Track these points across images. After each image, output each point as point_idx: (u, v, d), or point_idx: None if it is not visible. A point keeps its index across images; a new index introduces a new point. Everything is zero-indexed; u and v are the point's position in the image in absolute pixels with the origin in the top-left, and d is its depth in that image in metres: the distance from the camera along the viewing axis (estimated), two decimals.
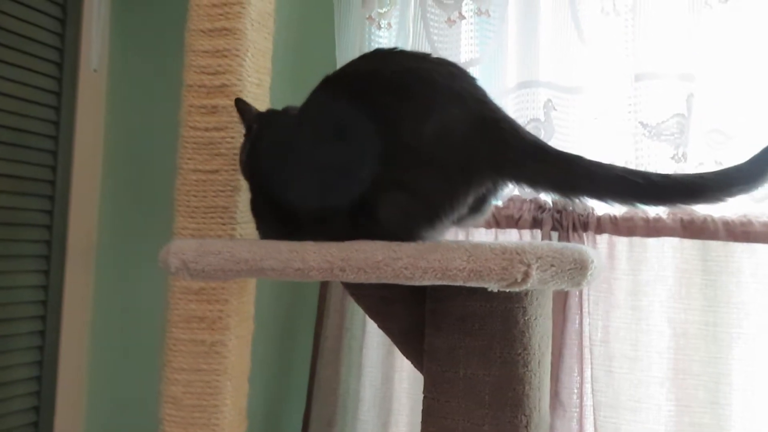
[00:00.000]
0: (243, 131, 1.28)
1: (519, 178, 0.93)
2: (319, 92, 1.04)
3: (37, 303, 1.73)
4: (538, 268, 0.82)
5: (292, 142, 1.05)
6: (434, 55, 1.02)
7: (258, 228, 1.17)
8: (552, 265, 0.84)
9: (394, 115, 0.93)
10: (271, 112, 1.20)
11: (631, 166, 1.32)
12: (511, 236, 1.43)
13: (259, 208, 1.16)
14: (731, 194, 0.84)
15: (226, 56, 1.31)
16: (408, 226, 0.94)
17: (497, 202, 1.01)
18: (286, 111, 1.17)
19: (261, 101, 1.38)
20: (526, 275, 0.82)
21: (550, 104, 1.41)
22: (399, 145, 0.92)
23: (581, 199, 0.91)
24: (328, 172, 0.99)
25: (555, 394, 1.36)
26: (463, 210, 0.94)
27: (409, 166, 0.92)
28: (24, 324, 1.69)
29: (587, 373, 1.36)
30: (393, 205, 0.94)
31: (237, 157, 1.30)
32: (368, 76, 0.99)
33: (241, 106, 1.20)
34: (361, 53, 1.58)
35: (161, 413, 1.30)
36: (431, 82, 0.94)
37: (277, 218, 1.10)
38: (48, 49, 1.74)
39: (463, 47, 1.53)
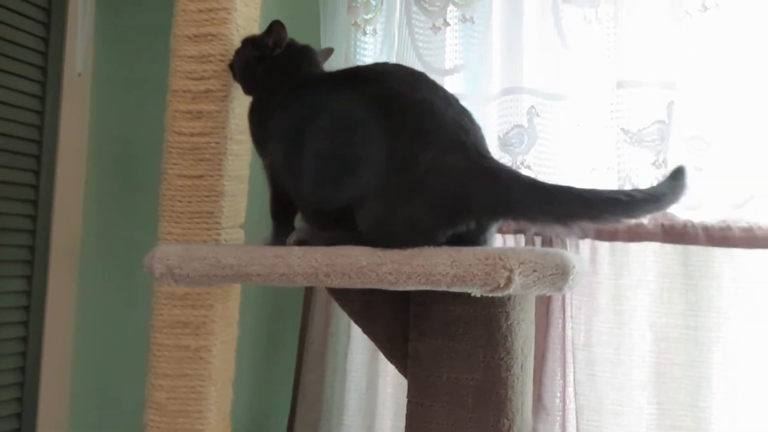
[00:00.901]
0: (228, 136, 1.30)
1: (518, 215, 0.99)
2: (349, 84, 1.07)
3: (20, 308, 1.71)
4: (520, 273, 0.84)
5: (305, 111, 1.09)
6: (461, 104, 1.05)
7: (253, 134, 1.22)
8: (534, 270, 0.85)
9: (401, 135, 0.96)
10: (300, 50, 1.24)
11: (613, 172, 1.35)
12: (494, 241, 1.43)
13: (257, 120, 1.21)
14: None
15: (211, 62, 1.31)
16: (380, 236, 0.95)
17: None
18: (309, 55, 1.23)
19: (246, 106, 1.38)
20: (509, 280, 0.83)
21: (533, 110, 1.42)
22: (395, 164, 0.95)
23: (579, 225, 0.95)
24: (328, 163, 1.02)
25: (538, 398, 1.37)
26: (441, 239, 0.95)
27: (397, 186, 0.95)
28: (6, 330, 1.68)
29: (570, 377, 1.37)
30: (370, 214, 0.97)
31: (222, 161, 1.30)
32: (395, 93, 1.01)
33: (275, 26, 1.22)
34: (347, 59, 1.61)
35: (145, 419, 1.29)
36: (445, 123, 0.98)
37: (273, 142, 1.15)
38: (32, 53, 1.73)
39: (448, 54, 1.55)
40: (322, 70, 1.24)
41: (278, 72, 1.21)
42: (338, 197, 1.00)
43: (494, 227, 1.02)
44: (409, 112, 0.98)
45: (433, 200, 0.94)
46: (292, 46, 1.24)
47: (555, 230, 1.09)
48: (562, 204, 0.94)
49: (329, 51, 1.35)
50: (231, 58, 1.29)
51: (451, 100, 1.04)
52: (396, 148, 0.96)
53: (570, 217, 0.95)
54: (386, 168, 0.95)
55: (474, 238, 0.98)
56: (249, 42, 1.26)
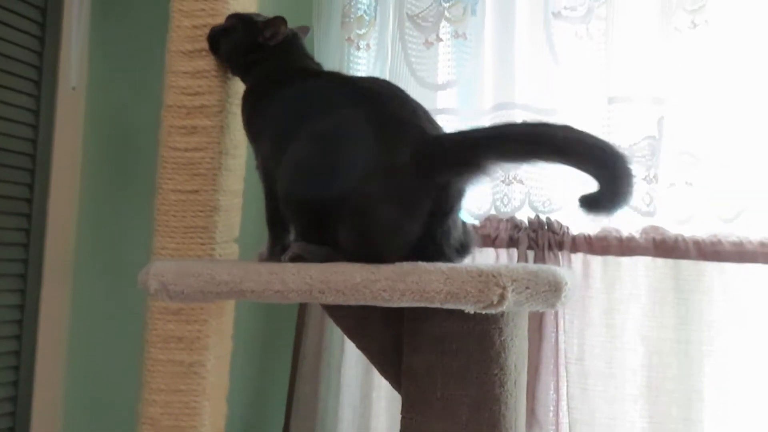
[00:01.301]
0: (223, 151, 1.30)
1: (465, 166, 0.97)
2: (342, 91, 1.09)
3: (13, 323, 1.70)
4: (513, 290, 0.84)
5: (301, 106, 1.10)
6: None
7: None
8: (527, 288, 0.86)
9: (369, 147, 0.98)
10: (292, 40, 1.25)
11: None
12: (488, 255, 1.45)
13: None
14: None
15: (206, 77, 1.32)
16: (362, 250, 0.97)
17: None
18: (299, 44, 1.26)
19: (240, 122, 1.39)
20: (502, 297, 0.83)
21: None
22: (362, 179, 0.97)
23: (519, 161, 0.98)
24: (306, 172, 1.04)
25: (531, 412, 1.37)
26: (418, 231, 0.97)
27: (366, 197, 0.97)
28: None
29: (563, 391, 1.38)
30: (348, 230, 0.98)
31: (217, 176, 1.31)
32: (372, 111, 1.02)
33: (278, 22, 1.22)
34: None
35: None
36: (401, 129, 0.99)
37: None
38: (26, 67, 1.73)
39: (441, 69, 1.56)
40: (312, 61, 1.27)
41: (272, 63, 1.22)
42: (313, 206, 1.01)
43: (459, 201, 1.03)
44: (379, 124, 1.00)
45: (398, 198, 0.96)
46: (296, 43, 1.26)
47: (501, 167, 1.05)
48: (502, 142, 0.96)
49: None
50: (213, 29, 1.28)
51: (418, 112, 1.04)
52: (361, 164, 0.97)
53: (512, 155, 0.95)
54: (355, 183, 0.97)
55: (446, 218, 1.00)
56: (240, 23, 1.25)
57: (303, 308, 1.64)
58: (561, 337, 1.39)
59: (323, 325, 1.59)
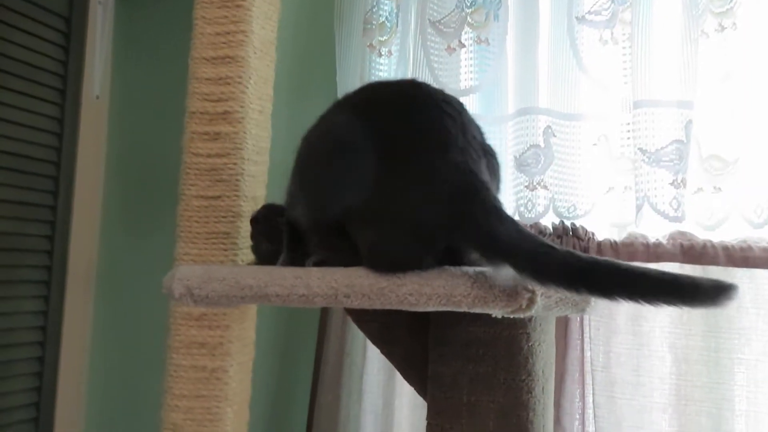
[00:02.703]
0: (246, 158, 1.30)
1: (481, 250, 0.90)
2: (343, 107, 1.05)
3: (37, 329, 1.72)
4: (542, 294, 0.83)
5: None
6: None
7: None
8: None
9: (400, 153, 0.92)
10: None
11: (631, 192, 1.34)
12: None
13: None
14: None
15: (228, 84, 1.33)
16: (376, 262, 0.92)
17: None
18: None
19: (262, 127, 1.40)
20: (531, 301, 0.82)
21: (549, 131, 1.42)
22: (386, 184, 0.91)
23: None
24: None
25: (557, 421, 1.35)
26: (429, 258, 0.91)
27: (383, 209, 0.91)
28: (23, 350, 1.68)
29: (589, 399, 1.36)
30: (365, 241, 0.94)
31: (239, 182, 1.31)
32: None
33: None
34: (362, 81, 1.61)
35: None
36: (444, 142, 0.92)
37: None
38: (51, 75, 1.75)
39: (463, 75, 1.55)
40: None
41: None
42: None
43: None
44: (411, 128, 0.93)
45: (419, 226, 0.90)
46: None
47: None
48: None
49: None
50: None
51: (459, 111, 0.97)
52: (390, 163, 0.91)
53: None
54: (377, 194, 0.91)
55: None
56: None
57: (325, 314, 1.63)
58: (587, 345, 1.37)
59: (345, 331, 1.58)
